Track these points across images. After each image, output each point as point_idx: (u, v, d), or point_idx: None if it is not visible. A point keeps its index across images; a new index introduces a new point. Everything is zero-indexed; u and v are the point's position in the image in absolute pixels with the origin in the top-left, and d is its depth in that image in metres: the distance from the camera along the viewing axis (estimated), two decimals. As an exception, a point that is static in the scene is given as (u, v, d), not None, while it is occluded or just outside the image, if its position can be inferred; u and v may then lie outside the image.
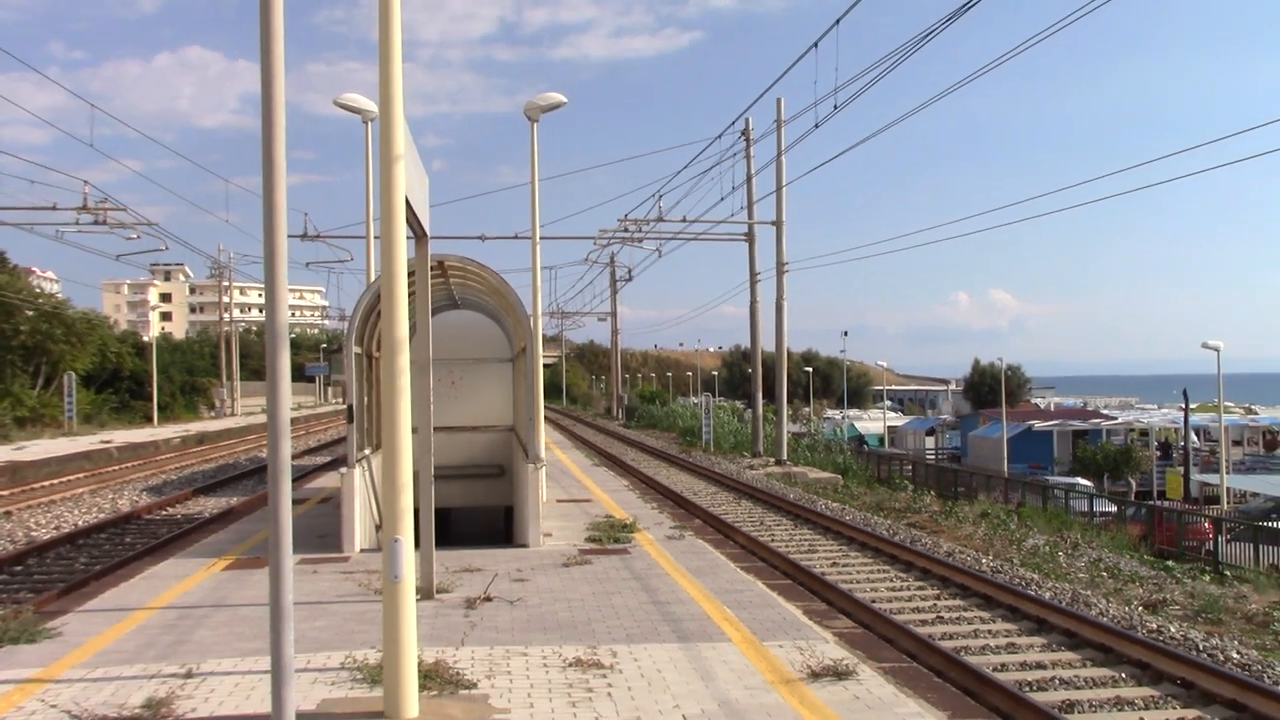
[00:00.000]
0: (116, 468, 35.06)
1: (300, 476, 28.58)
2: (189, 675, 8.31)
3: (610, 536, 15.45)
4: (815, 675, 8.28)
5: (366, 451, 15.74)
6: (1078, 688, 10.76)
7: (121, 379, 66.40)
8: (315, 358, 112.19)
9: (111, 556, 17.83)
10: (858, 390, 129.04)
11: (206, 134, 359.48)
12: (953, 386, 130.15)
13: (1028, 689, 10.51)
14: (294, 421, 64.67)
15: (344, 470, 14.34)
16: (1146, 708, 10.20)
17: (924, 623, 13.45)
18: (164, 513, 24.01)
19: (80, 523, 22.23)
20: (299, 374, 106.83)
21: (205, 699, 7.73)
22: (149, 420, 61.57)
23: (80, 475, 31.90)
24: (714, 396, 61.83)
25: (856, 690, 7.95)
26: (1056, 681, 10.90)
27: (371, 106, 20.81)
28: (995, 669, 11.20)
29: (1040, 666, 11.52)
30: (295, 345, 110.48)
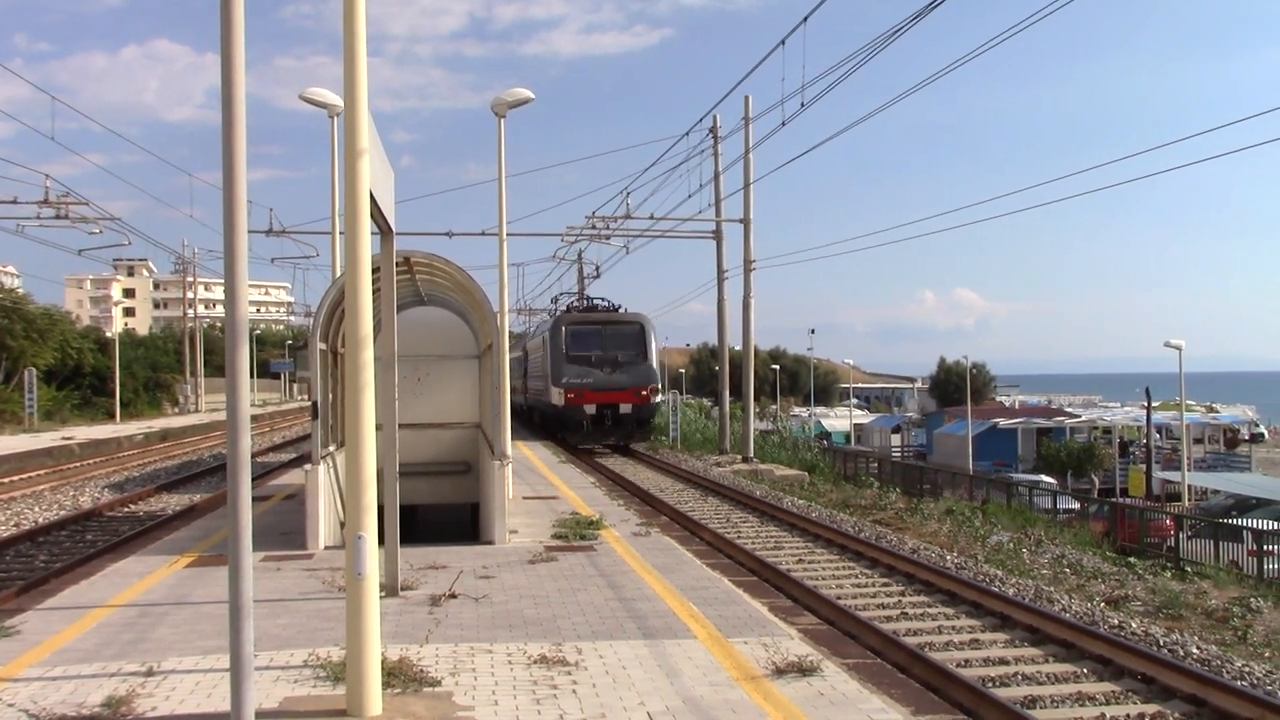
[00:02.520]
0: (78, 464, 34.70)
1: (265, 473, 28.39)
2: (149, 674, 8.24)
3: (576, 533, 15.44)
4: (780, 671, 8.30)
5: (331, 448, 15.64)
6: (1040, 683, 10.85)
7: (83, 375, 65.74)
8: (281, 354, 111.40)
9: (72, 554, 17.64)
10: (825, 388, 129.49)
11: (172, 128, 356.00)
12: (919, 384, 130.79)
13: (991, 685, 10.59)
14: (259, 418, 64.20)
15: (308, 467, 14.26)
16: (1108, 703, 10.30)
17: (888, 619, 13.51)
18: (126, 510, 23.78)
19: (40, 520, 21.98)
20: (264, 370, 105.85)
21: (166, 697, 7.66)
22: (111, 417, 60.93)
23: (41, 472, 31.53)
24: (681, 394, 61.84)
25: (821, 686, 7.98)
26: (1019, 677, 10.98)
27: (338, 101, 20.65)
28: (959, 665, 11.27)
29: (1003, 662, 11.61)
30: (261, 341, 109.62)
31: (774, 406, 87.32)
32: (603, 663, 8.56)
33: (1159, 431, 59.50)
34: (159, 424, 54.03)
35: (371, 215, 8.82)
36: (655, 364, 40.15)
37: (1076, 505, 34.33)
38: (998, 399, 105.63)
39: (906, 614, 13.87)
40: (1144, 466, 47.25)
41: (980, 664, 11.54)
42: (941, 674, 10.55)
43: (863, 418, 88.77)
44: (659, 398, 41.00)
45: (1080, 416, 69.32)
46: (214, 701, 7.51)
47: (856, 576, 16.43)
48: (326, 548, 13.99)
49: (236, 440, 5.96)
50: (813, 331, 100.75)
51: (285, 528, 15.83)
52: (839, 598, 14.42)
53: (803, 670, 8.31)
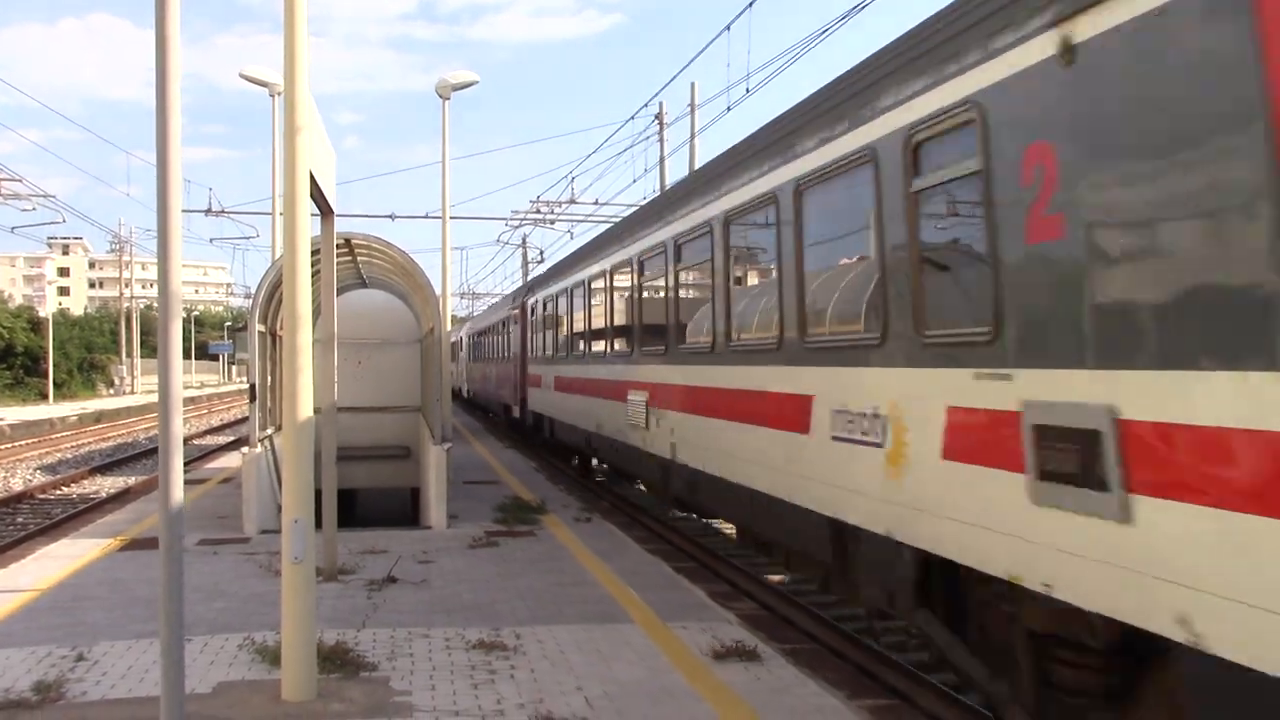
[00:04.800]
0: (9, 446, 34.08)
1: (201, 456, 28.06)
2: (80, 658, 8.12)
3: (518, 518, 15.41)
4: (718, 656, 8.34)
5: (269, 431, 15.48)
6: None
7: (15, 355, 64.64)
8: (219, 336, 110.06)
9: (2, 536, 17.34)
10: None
11: (112, 105, 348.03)
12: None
13: (925, 670, 10.70)
14: (196, 400, 63.34)
15: (245, 450, 14.11)
16: (1039, 687, 10.45)
17: (826, 605, 13.62)
18: (58, 492, 23.39)
19: (-31, 502, 21.56)
20: (202, 352, 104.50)
21: (96, 682, 7.55)
22: (44, 397, 59.91)
23: (-30, 453, 30.93)
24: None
25: (758, 672, 8.03)
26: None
27: (279, 80, 20.40)
28: (895, 649, 11.39)
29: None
30: (199, 323, 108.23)
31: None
32: (542, 647, 8.56)
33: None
34: (93, 405, 53.17)
35: (311, 195, 8.71)
36: None
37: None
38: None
39: (844, 599, 13.97)
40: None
41: (916, 648, 11.66)
42: (877, 658, 10.65)
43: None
44: None
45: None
46: (145, 686, 7.41)
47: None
48: (264, 531, 13.85)
49: (168, 419, 5.88)
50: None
51: (222, 511, 15.66)
52: (778, 582, 14.50)
53: (741, 655, 8.37)
